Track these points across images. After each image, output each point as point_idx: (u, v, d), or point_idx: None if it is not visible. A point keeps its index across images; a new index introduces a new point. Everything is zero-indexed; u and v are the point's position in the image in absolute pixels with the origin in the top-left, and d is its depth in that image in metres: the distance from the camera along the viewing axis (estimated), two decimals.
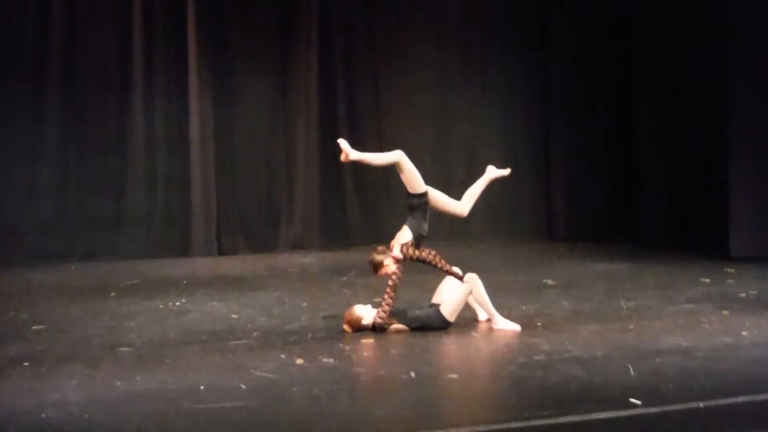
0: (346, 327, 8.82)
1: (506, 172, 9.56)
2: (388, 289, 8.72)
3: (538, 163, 16.53)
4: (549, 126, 16.49)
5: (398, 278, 8.77)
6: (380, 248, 8.96)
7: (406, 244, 8.79)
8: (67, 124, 14.62)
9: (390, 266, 8.82)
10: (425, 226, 8.92)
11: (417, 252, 8.80)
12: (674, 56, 14.81)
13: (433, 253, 8.85)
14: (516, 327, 8.76)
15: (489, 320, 8.97)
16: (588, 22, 16.32)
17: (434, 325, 8.77)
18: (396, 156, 8.88)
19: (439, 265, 8.82)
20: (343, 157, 8.92)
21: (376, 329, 8.71)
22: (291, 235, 15.51)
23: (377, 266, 8.89)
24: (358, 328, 8.76)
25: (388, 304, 8.70)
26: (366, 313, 8.80)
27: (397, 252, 8.78)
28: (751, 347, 7.90)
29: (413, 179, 8.88)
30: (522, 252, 14.93)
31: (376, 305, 8.85)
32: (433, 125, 16.22)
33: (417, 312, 8.88)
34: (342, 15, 15.83)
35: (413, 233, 8.84)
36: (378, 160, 9.15)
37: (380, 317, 8.69)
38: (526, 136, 16.51)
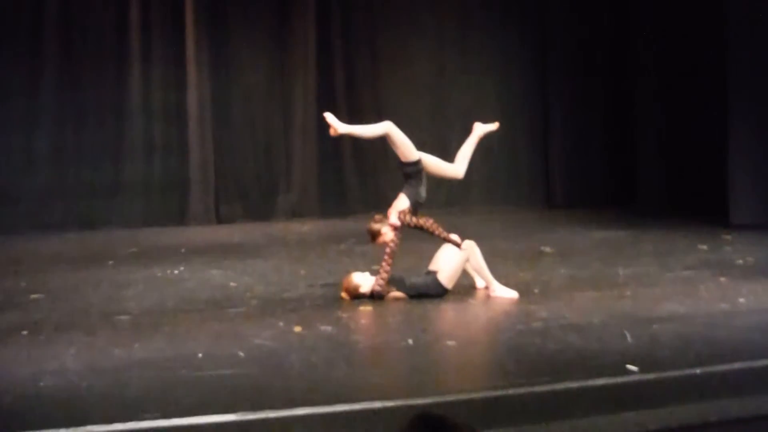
0: (343, 294, 8.83)
1: (494, 126, 9.49)
2: (385, 257, 8.72)
3: (536, 130, 16.51)
4: (547, 93, 16.47)
5: (396, 246, 8.76)
6: (378, 216, 8.96)
7: (403, 211, 8.78)
8: (65, 92, 14.60)
9: (387, 234, 8.82)
10: (423, 193, 8.91)
11: (414, 219, 8.79)
12: (673, 24, 14.77)
13: (430, 220, 8.85)
14: (513, 294, 8.77)
15: (487, 287, 8.98)
16: None
17: (432, 292, 8.78)
18: (385, 127, 8.84)
19: (437, 232, 8.81)
20: (331, 132, 8.90)
21: (374, 297, 8.72)
22: (289, 203, 15.52)
23: (375, 234, 8.89)
24: (356, 296, 8.77)
25: (386, 272, 8.70)
26: (364, 281, 8.81)
27: (394, 219, 8.78)
28: (748, 314, 7.91)
29: (404, 148, 8.85)
30: (520, 219, 14.93)
31: (374, 273, 8.86)
32: (430, 94, 16.20)
33: (414, 280, 8.89)
34: None
35: (410, 200, 8.83)
36: (367, 133, 9.11)
37: (378, 285, 8.70)
38: (524, 103, 16.47)
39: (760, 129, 12.96)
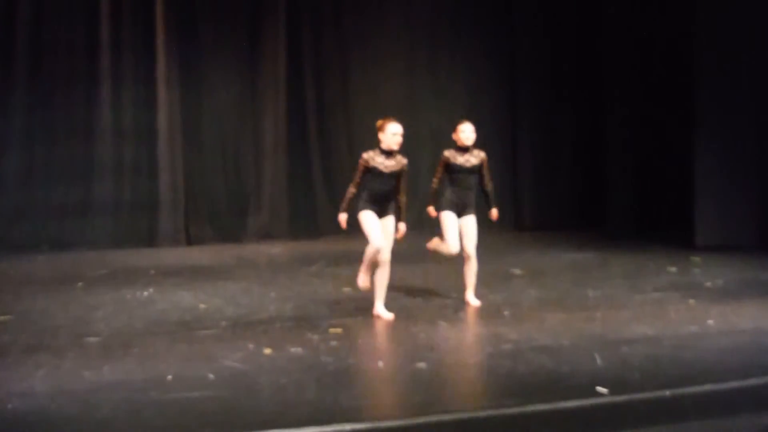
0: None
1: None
2: None
3: (505, 152, 16.54)
4: (516, 116, 16.53)
5: None
6: None
7: None
8: (34, 113, 14.54)
9: None
10: None
11: None
12: (642, 47, 14.88)
13: None
14: (389, 316, 8.86)
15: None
16: (555, 12, 16.35)
17: None
18: None
19: None
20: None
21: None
22: (259, 225, 15.48)
23: None
24: None
25: None
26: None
27: None
28: (717, 336, 7.95)
29: None
30: (489, 241, 14.88)
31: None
32: (400, 115, 16.08)
33: None
34: (310, 5, 15.80)
35: None
36: None
37: None
38: (493, 125, 16.49)
39: (725, 154, 13.10)
